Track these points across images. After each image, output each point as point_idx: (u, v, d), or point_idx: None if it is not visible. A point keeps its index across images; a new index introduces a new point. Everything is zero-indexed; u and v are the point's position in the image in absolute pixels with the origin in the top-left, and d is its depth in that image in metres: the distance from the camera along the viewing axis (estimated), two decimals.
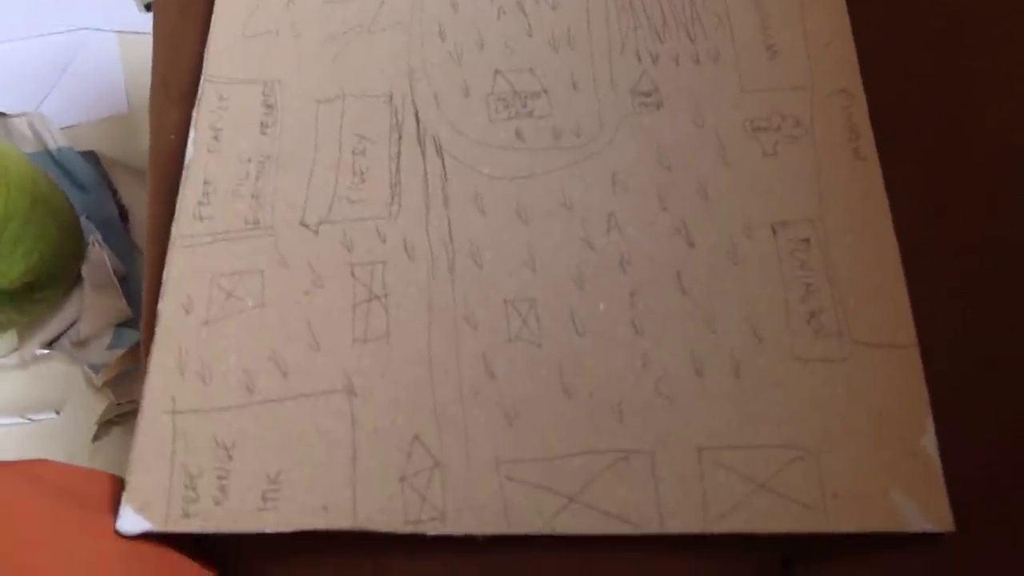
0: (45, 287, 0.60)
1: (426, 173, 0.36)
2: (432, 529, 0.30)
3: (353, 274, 0.34)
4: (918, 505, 0.30)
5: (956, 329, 0.33)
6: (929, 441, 0.31)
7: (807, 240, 0.34)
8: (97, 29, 0.76)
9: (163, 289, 0.33)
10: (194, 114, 0.36)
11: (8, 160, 0.57)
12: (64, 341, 0.65)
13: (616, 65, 0.38)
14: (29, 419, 0.63)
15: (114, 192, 0.70)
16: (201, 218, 0.34)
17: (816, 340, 0.32)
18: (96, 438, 0.61)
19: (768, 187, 0.35)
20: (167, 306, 0.33)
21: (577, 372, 0.32)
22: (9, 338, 0.63)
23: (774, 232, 0.34)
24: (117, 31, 0.76)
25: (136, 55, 0.76)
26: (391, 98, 0.37)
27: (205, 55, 0.38)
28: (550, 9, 0.39)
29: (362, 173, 0.36)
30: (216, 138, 0.36)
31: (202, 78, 0.37)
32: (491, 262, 0.34)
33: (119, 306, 0.65)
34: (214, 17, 0.38)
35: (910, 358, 0.32)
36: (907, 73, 0.37)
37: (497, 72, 0.38)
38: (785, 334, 0.33)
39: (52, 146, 0.69)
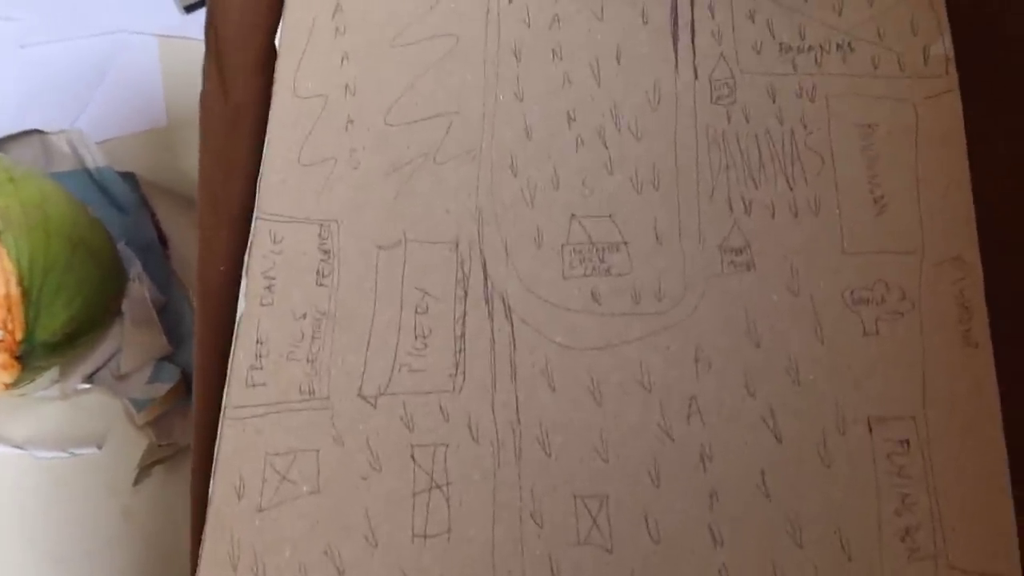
0: (86, 332, 0.59)
1: (493, 340, 0.33)
2: None
3: (413, 457, 0.32)
4: None
5: None
6: None
7: (906, 442, 0.31)
8: (136, 32, 0.73)
9: (215, 468, 0.31)
10: (246, 259, 0.34)
11: (48, 205, 0.54)
12: (105, 373, 0.64)
13: (705, 213, 0.34)
14: (71, 453, 0.63)
15: (152, 215, 0.68)
16: (254, 385, 0.32)
17: (909, 564, 0.30)
18: (137, 481, 0.61)
19: (867, 373, 0.32)
20: (218, 488, 0.31)
21: None
22: (50, 370, 0.63)
23: (870, 429, 0.32)
24: (157, 35, 0.72)
25: (176, 61, 0.73)
26: (457, 245, 0.34)
27: (258, 186, 0.35)
28: (634, 139, 0.35)
29: (424, 336, 0.33)
30: (269, 289, 0.33)
31: (255, 215, 0.34)
32: (561, 448, 0.32)
33: (159, 342, 0.64)
34: (268, 140, 0.35)
35: None
36: None
37: (573, 217, 0.34)
38: (875, 553, 0.30)
39: (91, 165, 0.67)
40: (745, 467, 0.31)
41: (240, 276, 0.34)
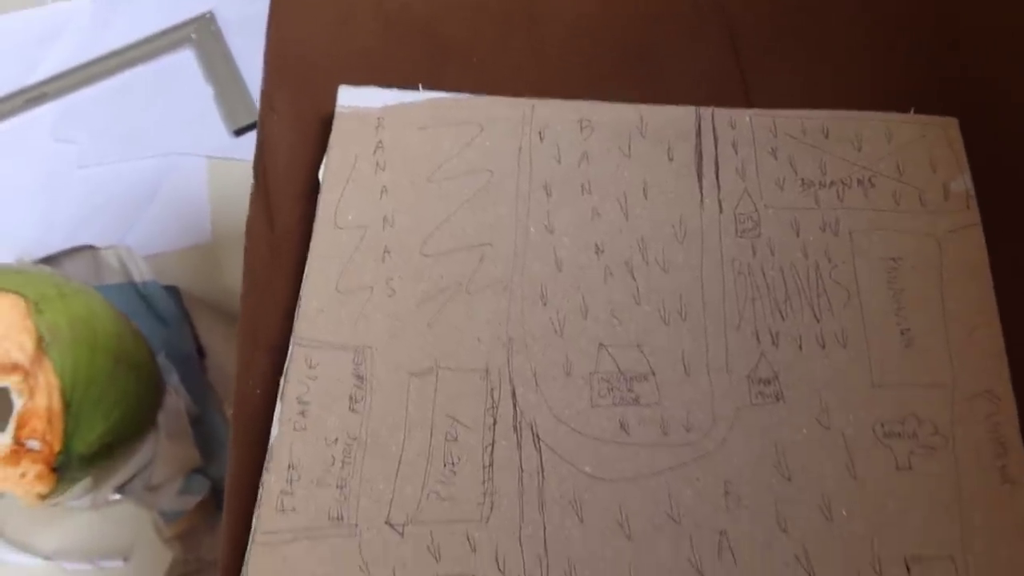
0: (122, 443, 0.60)
1: (521, 469, 0.33)
2: None
3: None
4: None
5: None
6: None
7: None
8: (187, 153, 0.77)
9: None
10: (282, 382, 0.35)
11: (95, 320, 0.56)
12: (136, 484, 0.65)
13: (732, 345, 0.35)
14: (97, 565, 0.62)
15: (192, 327, 0.70)
16: (284, 510, 0.33)
17: None
18: None
19: (902, 510, 0.32)
20: None
21: None
22: (83, 481, 0.63)
23: (908, 569, 0.31)
24: (206, 156, 0.76)
25: (223, 181, 0.76)
26: (487, 373, 0.35)
27: (297, 312, 0.36)
28: (661, 271, 0.36)
29: (453, 464, 0.33)
30: (303, 414, 0.34)
31: (292, 340, 0.35)
32: None
33: (191, 453, 0.65)
34: (308, 269, 0.37)
35: None
36: None
37: (601, 346, 0.35)
38: None
39: (137, 279, 0.69)
40: None
41: (275, 399, 0.35)
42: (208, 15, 0.82)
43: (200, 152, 0.76)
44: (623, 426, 0.34)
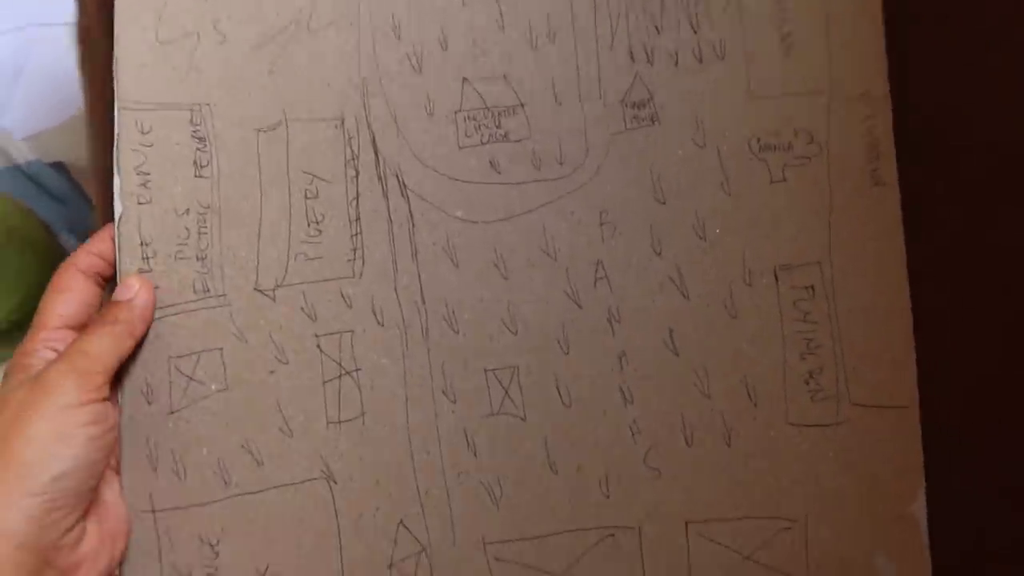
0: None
1: (390, 220, 0.32)
2: None
3: (319, 347, 0.31)
4: (898, 568, 0.31)
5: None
6: (919, 507, 0.31)
7: (811, 288, 0.31)
8: (47, 24, 0.65)
9: (120, 376, 0.31)
10: (115, 154, 0.31)
11: None
12: None
13: (605, 66, 0.32)
14: None
15: (90, 202, 0.63)
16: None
17: (812, 404, 0.31)
18: None
19: (774, 222, 0.32)
20: (128, 397, 0.31)
21: (563, 446, 0.31)
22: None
23: (777, 279, 0.32)
24: (66, 23, 0.64)
25: None
26: (343, 121, 0.32)
27: (115, 73, 0.31)
28: None
29: (317, 222, 0.31)
30: (145, 185, 0.31)
31: (116, 105, 0.31)
32: (468, 325, 0.31)
33: None
34: (116, 20, 0.31)
35: (908, 420, 0.31)
36: (951, 73, 0.32)
37: (465, 80, 0.32)
38: (780, 398, 0.31)
39: (21, 160, 0.62)
40: (653, 326, 0.31)
41: None
42: None
43: (59, 20, 0.64)
44: (493, 165, 0.32)
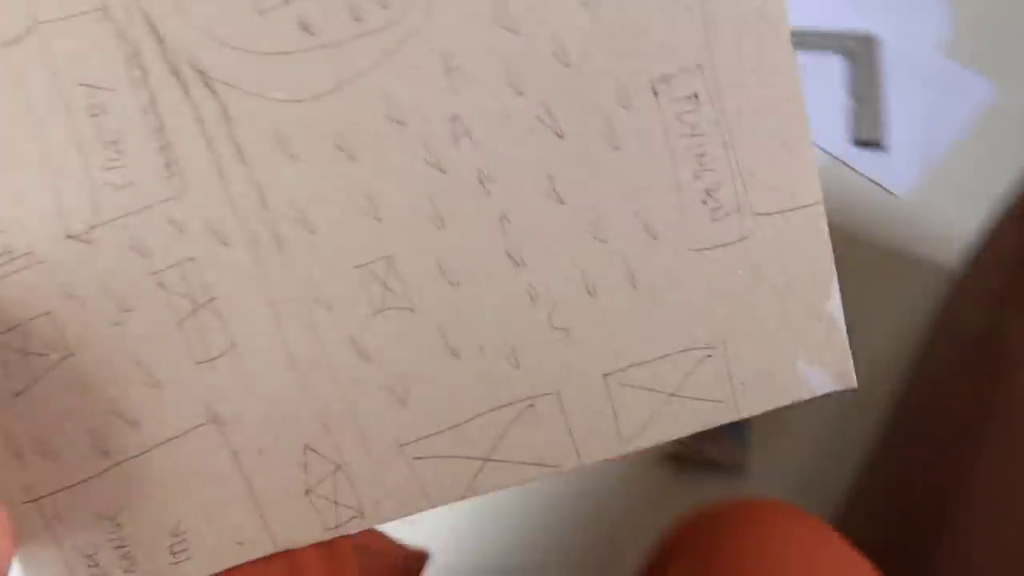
0: None
1: (201, 120, 0.26)
2: (355, 527, 0.29)
3: (162, 284, 0.27)
4: (822, 370, 0.30)
5: None
6: (834, 305, 0.30)
7: (695, 96, 0.28)
8: None
9: None
10: None
11: None
12: None
13: None
14: None
15: None
16: None
17: (713, 224, 0.29)
18: None
19: (641, 28, 0.27)
20: None
21: (460, 328, 0.29)
22: None
23: (655, 94, 0.28)
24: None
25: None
26: (106, 10, 0.26)
27: None
28: None
29: (115, 143, 0.26)
30: None
31: None
32: (324, 222, 0.28)
33: None
34: None
35: (814, 218, 0.29)
36: None
37: None
38: (679, 224, 0.29)
39: None
40: (529, 177, 0.28)
41: None
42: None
43: None
44: (305, 27, 0.26)
